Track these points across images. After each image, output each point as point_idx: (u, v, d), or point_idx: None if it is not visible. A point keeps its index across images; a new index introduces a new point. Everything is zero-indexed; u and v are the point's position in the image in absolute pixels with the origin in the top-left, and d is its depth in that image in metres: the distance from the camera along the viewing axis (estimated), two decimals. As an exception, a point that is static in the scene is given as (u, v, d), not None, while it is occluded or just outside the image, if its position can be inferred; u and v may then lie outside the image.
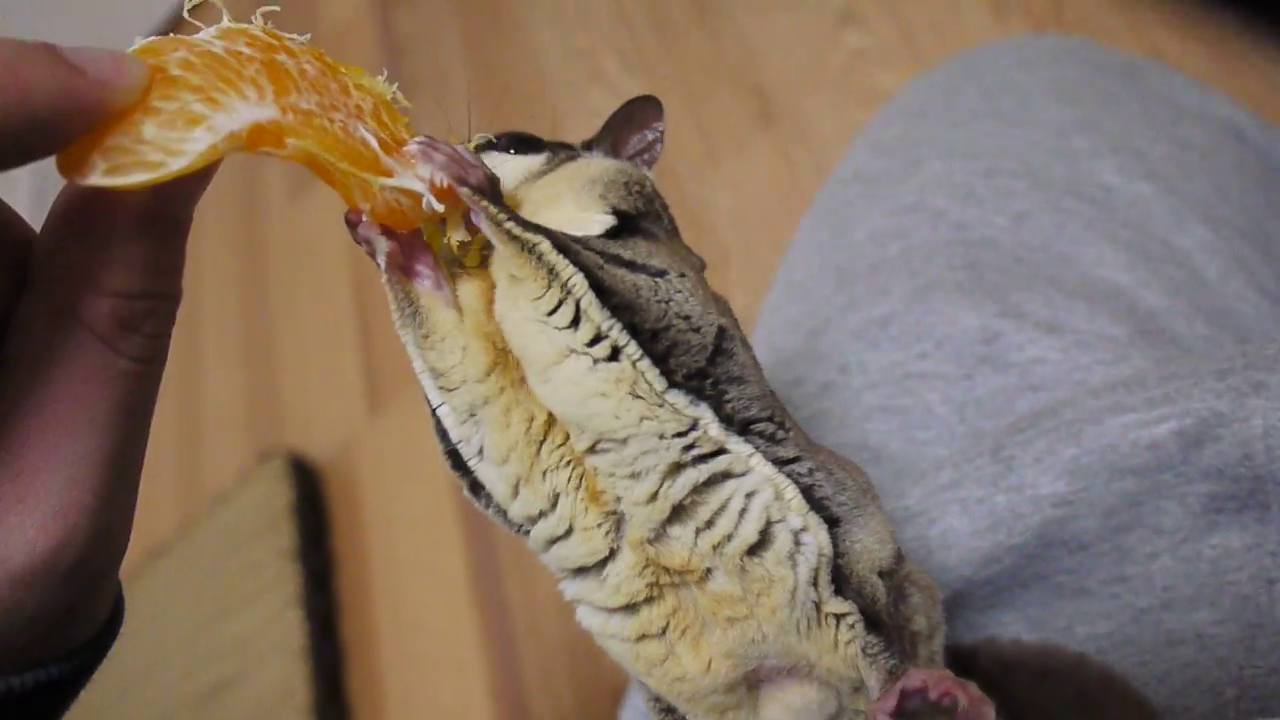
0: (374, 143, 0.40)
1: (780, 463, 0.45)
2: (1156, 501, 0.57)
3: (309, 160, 0.38)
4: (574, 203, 0.47)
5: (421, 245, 0.46)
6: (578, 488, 0.45)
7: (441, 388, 0.46)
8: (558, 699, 1.28)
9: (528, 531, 0.47)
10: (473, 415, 0.46)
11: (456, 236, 0.45)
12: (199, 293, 2.02)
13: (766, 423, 0.46)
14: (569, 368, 0.43)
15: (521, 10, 1.77)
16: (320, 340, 1.78)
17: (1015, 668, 0.58)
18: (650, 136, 0.53)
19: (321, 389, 1.74)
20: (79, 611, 0.37)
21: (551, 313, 0.43)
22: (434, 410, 0.47)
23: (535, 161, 0.51)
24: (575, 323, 0.43)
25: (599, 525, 0.45)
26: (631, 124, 0.53)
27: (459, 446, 0.47)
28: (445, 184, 0.42)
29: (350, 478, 1.62)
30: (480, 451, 0.46)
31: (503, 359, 0.45)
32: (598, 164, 0.50)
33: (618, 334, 0.43)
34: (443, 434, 0.47)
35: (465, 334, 0.46)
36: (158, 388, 0.37)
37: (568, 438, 0.45)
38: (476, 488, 0.48)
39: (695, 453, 0.44)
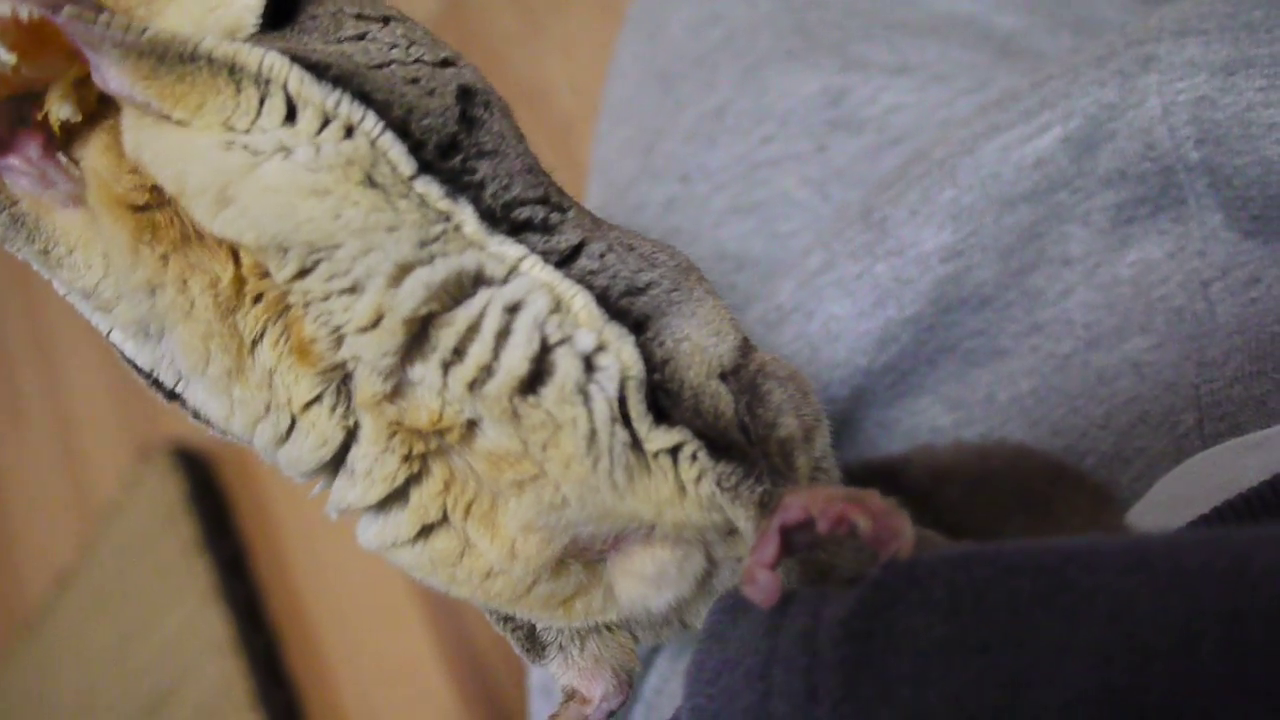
0: None
1: (562, 258, 0.35)
2: (1057, 228, 0.48)
3: None
4: None
5: (12, 132, 0.36)
6: (285, 339, 0.35)
7: (99, 309, 0.36)
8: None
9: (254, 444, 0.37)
10: (148, 332, 0.36)
11: (63, 112, 0.35)
12: (48, 308, 1.89)
13: (536, 205, 0.35)
14: (268, 172, 0.33)
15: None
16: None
17: (947, 477, 0.49)
18: None
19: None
20: None
21: (254, 122, 0.33)
22: (107, 337, 0.37)
23: None
24: (292, 116, 0.33)
25: (318, 398, 0.35)
26: None
27: (158, 378, 0.37)
28: (31, 17, 0.32)
29: (242, 455, 1.51)
30: (180, 372, 0.36)
31: (148, 222, 0.35)
32: None
33: (349, 106, 0.33)
34: (135, 365, 0.37)
35: (96, 206, 0.35)
36: None
37: (264, 292, 0.35)
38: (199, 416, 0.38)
39: (432, 249, 0.34)
